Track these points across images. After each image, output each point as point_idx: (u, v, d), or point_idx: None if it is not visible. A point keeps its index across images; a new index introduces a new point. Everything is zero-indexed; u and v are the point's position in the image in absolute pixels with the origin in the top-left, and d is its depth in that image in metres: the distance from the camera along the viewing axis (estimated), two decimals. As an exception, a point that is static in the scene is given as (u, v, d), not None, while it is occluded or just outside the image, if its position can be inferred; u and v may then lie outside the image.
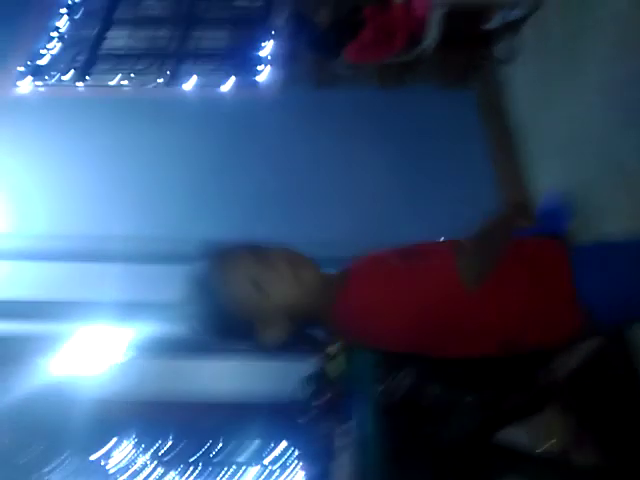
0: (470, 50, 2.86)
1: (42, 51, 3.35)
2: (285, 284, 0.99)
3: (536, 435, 1.79)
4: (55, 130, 2.87)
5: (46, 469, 3.15)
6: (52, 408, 2.85)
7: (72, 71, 3.33)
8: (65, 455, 3.56)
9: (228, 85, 3.19)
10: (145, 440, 5.41)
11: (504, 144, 2.65)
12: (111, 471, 4.02)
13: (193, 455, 5.77)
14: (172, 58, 3.42)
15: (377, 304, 0.98)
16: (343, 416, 1.90)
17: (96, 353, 2.86)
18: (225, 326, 1.02)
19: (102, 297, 2.32)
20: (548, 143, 2.42)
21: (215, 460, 5.48)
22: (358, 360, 1.83)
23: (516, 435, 1.72)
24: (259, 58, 3.27)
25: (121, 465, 5.17)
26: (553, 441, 1.74)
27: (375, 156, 2.68)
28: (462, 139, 2.71)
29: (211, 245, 1.04)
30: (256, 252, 1.01)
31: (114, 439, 4.94)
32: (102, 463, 4.31)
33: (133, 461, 5.31)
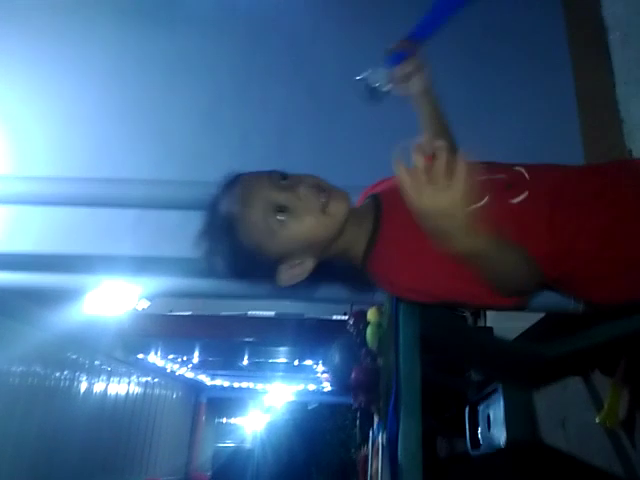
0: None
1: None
2: (310, 214, 0.89)
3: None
4: (45, 39, 2.45)
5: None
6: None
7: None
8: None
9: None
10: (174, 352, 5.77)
11: (592, 53, 2.18)
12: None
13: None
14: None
15: (417, 253, 0.89)
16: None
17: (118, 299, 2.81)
18: (242, 262, 0.92)
19: (114, 249, 2.12)
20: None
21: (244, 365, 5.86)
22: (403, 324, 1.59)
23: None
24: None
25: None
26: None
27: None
28: (542, 45, 2.25)
29: (230, 175, 0.98)
30: (278, 177, 0.93)
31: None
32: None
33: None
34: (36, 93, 2.36)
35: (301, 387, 7.11)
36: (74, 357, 5.28)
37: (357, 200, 1.20)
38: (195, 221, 2.09)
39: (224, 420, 10.49)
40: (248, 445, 10.18)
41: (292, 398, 7.94)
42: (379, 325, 2.00)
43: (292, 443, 8.95)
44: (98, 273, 2.21)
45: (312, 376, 6.35)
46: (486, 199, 0.93)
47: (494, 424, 1.89)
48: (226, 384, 7.16)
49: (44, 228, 2.17)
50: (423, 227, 0.81)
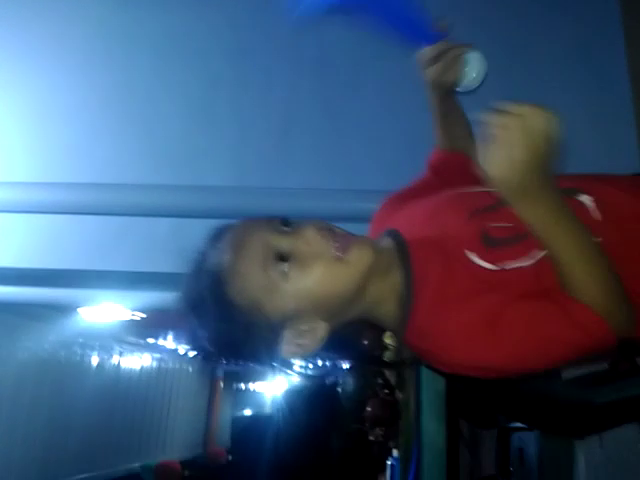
0: None
1: None
2: (321, 261, 0.71)
3: None
4: (13, 19, 2.13)
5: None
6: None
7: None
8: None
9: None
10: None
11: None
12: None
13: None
14: None
15: (460, 334, 0.70)
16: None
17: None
18: (234, 332, 0.72)
19: (100, 262, 1.90)
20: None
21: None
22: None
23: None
24: None
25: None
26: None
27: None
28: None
29: (219, 226, 0.78)
30: (279, 222, 0.74)
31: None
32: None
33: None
34: (5, 83, 2.10)
35: (319, 362, 7.01)
36: (82, 340, 5.18)
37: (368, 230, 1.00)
38: (188, 230, 1.82)
39: (242, 386, 10.53)
40: (267, 411, 10.25)
41: (309, 373, 7.89)
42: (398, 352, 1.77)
43: (312, 408, 8.96)
44: (88, 289, 2.00)
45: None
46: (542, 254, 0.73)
47: (528, 462, 1.68)
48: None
49: (25, 241, 1.95)
50: (501, 195, 0.68)
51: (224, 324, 0.72)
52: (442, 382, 1.21)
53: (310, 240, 0.72)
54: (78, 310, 2.71)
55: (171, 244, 1.89)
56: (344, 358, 0.84)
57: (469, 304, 0.71)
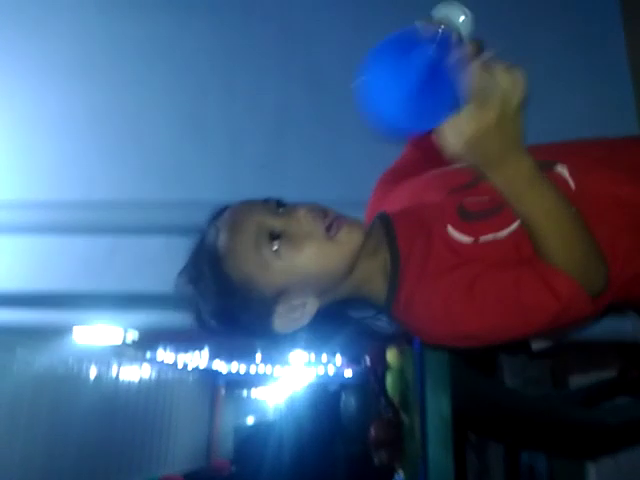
0: None
1: None
2: (312, 240, 0.75)
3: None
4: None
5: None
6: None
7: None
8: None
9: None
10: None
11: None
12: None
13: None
14: None
15: (446, 307, 0.74)
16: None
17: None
18: (230, 304, 0.77)
19: (90, 283, 1.84)
20: None
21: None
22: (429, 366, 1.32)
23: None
24: None
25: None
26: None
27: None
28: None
29: (218, 207, 0.83)
30: (274, 204, 0.79)
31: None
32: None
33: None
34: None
35: (321, 371, 6.96)
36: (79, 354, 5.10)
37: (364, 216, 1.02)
38: (180, 247, 1.74)
39: (244, 393, 10.46)
40: (270, 419, 10.16)
41: (312, 380, 7.83)
42: (401, 372, 1.70)
43: (315, 414, 8.89)
44: (78, 311, 1.93)
45: (331, 365, 6.18)
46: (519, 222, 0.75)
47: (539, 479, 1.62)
48: (242, 369, 7.04)
49: (13, 262, 1.88)
50: (469, 160, 0.67)
51: (221, 298, 0.77)
52: (448, 408, 1.15)
53: (302, 220, 0.76)
54: (72, 330, 2.66)
55: (163, 263, 1.83)
56: (335, 333, 0.85)
57: (448, 277, 0.74)
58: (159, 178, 1.90)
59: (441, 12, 0.81)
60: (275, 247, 0.75)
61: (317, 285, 0.78)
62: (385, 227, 0.84)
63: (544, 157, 0.78)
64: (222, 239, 0.77)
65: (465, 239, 0.76)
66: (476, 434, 1.43)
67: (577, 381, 1.88)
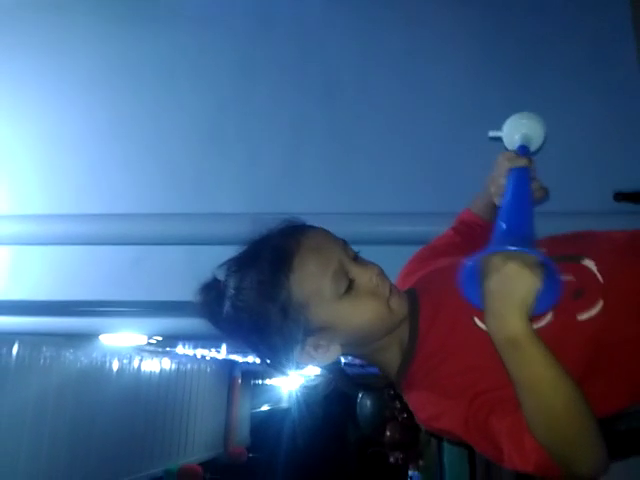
0: None
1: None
2: (376, 301, 0.79)
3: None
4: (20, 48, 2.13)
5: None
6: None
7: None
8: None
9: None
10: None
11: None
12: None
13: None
14: None
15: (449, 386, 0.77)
16: None
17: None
18: (263, 314, 0.77)
19: (114, 292, 1.92)
20: None
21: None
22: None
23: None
24: None
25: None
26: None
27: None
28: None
29: (293, 219, 0.85)
30: (351, 251, 0.82)
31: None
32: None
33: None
34: (16, 115, 2.11)
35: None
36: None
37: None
38: (202, 257, 1.82)
39: (260, 382, 10.59)
40: (285, 406, 10.29)
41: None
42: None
43: (328, 400, 8.99)
44: (105, 318, 2.02)
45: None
46: (549, 317, 0.76)
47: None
48: (258, 360, 7.14)
49: (42, 273, 1.97)
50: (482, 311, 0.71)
51: (264, 301, 0.76)
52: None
53: (373, 278, 0.79)
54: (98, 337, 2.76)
55: (186, 272, 1.91)
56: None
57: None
58: (180, 190, 1.97)
59: (524, 130, 0.91)
60: (343, 290, 0.77)
61: (351, 337, 0.81)
62: (411, 304, 0.85)
63: (570, 250, 0.82)
64: (302, 253, 0.77)
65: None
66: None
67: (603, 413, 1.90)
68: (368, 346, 0.84)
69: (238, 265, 0.81)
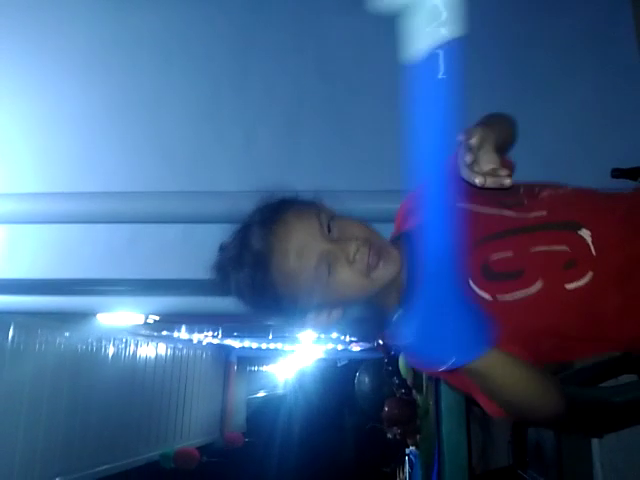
0: None
1: None
2: (352, 274, 0.80)
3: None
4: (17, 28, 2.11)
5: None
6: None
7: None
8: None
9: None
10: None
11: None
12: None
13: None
14: None
15: None
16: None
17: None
18: (267, 299, 0.82)
19: (111, 271, 1.91)
20: None
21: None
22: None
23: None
24: None
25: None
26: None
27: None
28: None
29: (270, 198, 0.85)
30: (327, 221, 0.82)
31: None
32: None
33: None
34: (10, 94, 2.08)
35: (330, 346, 7.07)
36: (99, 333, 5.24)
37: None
38: (197, 236, 1.81)
39: (255, 368, 10.64)
40: (280, 392, 10.34)
41: (321, 356, 7.94)
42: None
43: (324, 387, 9.06)
44: (101, 297, 2.01)
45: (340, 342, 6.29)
46: (539, 285, 0.79)
47: (546, 456, 1.69)
48: (254, 345, 7.18)
49: (37, 252, 1.96)
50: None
51: (255, 294, 0.82)
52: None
53: (351, 255, 0.80)
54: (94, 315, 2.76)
55: (182, 250, 1.91)
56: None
57: None
58: (176, 168, 1.96)
59: None
60: (326, 275, 0.80)
61: (346, 304, 0.87)
62: (408, 248, 0.87)
63: (570, 216, 0.83)
64: (278, 260, 0.79)
65: (484, 295, 0.80)
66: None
67: (581, 360, 1.93)
68: (365, 302, 0.88)
69: (232, 264, 0.84)
